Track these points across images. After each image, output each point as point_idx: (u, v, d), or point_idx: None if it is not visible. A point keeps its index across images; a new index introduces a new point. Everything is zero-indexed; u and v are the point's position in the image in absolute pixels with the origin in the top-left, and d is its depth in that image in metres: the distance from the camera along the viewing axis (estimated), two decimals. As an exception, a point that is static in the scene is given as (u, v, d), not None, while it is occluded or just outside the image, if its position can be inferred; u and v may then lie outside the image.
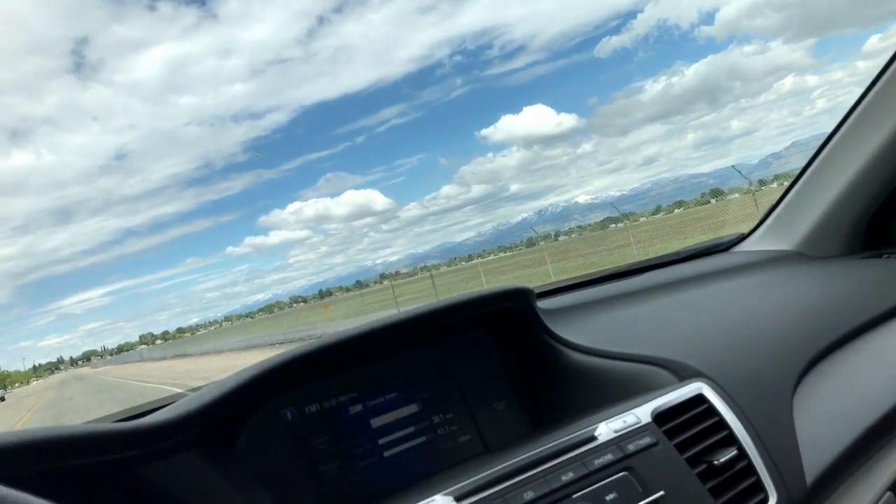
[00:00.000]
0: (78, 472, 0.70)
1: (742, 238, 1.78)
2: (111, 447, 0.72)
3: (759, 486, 0.83)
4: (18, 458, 0.62)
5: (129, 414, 0.99)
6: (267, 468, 0.91)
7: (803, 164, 1.60)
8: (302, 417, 0.97)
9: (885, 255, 1.50)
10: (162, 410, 0.86)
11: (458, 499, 0.73)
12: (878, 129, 1.40)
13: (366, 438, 0.99)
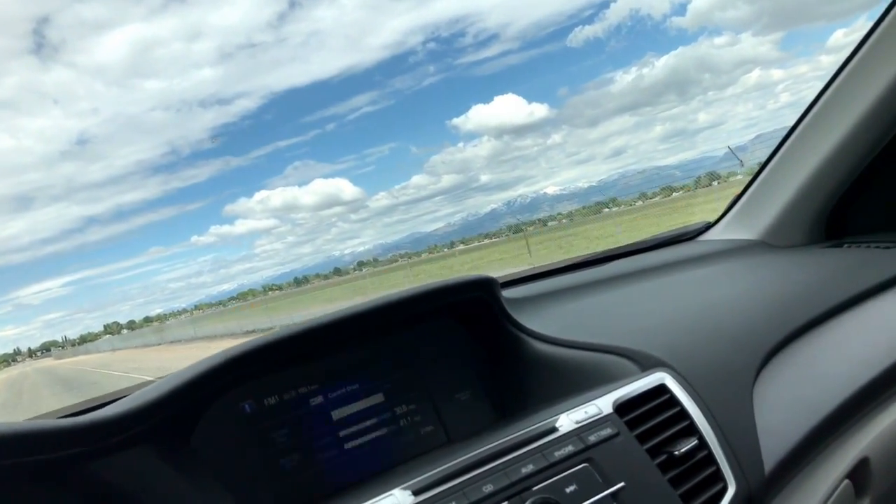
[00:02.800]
0: (23, 471, 0.67)
1: (709, 227, 1.80)
2: (58, 444, 0.69)
3: (718, 476, 0.83)
4: None
5: (82, 408, 0.96)
6: (224, 462, 0.89)
7: (766, 155, 1.62)
8: (261, 409, 0.95)
9: (845, 245, 1.53)
10: (115, 404, 0.83)
11: (416, 492, 0.72)
12: (840, 120, 1.42)
13: (326, 431, 0.97)
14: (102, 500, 0.75)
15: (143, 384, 0.94)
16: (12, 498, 0.70)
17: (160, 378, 0.92)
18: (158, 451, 0.80)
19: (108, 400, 0.92)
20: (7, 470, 0.66)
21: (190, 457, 0.85)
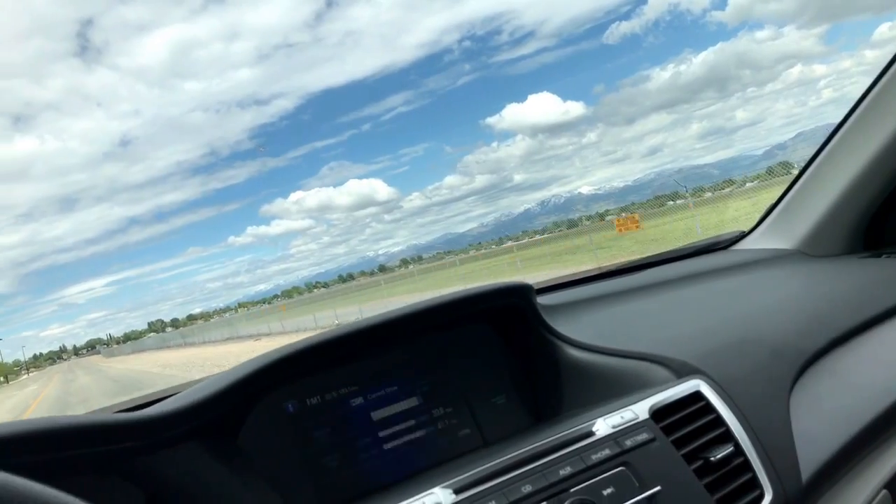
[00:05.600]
0: (80, 462, 0.71)
1: (742, 236, 1.78)
2: (113, 437, 0.73)
3: (754, 483, 0.84)
4: (21, 448, 0.63)
5: (134, 404, 1.00)
6: (269, 459, 0.92)
7: (809, 154, 1.60)
8: (303, 410, 0.98)
9: (885, 255, 1.51)
10: (167, 401, 0.87)
11: (456, 491, 0.74)
12: (880, 127, 1.40)
13: (366, 431, 1.00)
14: (156, 493, 0.78)
15: (192, 382, 0.98)
16: (72, 488, 0.75)
17: (208, 377, 0.96)
18: (207, 448, 0.83)
19: (159, 397, 0.96)
20: (68, 461, 0.69)
21: (237, 454, 0.88)
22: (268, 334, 27.74)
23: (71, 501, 0.37)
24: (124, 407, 1.00)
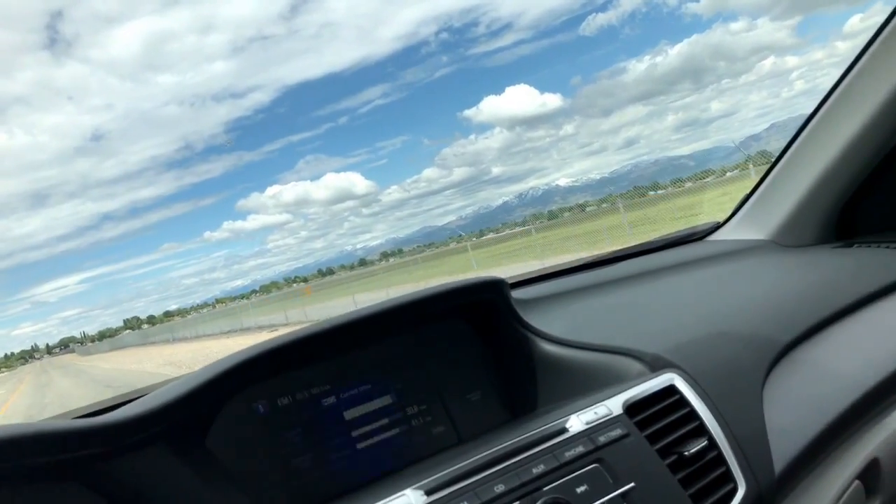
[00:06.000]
0: (37, 471, 0.69)
1: (717, 227, 1.79)
2: (74, 444, 0.71)
3: (728, 477, 0.84)
4: None
5: (97, 408, 0.97)
6: (238, 462, 0.90)
7: (782, 145, 1.61)
8: (274, 410, 0.96)
9: (856, 245, 1.52)
10: (131, 405, 0.85)
11: (428, 493, 0.73)
12: (851, 117, 1.41)
13: (339, 431, 0.98)
14: (118, 499, 0.76)
15: (161, 384, 0.96)
16: (31, 498, 0.72)
17: (175, 379, 0.93)
18: (174, 451, 0.81)
19: (125, 400, 0.94)
20: (24, 470, 0.68)
21: (205, 457, 0.86)
22: (285, 324, 24.39)
23: None
24: (89, 412, 0.97)
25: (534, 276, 1.50)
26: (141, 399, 0.86)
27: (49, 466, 0.70)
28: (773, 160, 1.63)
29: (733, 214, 1.75)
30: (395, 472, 0.96)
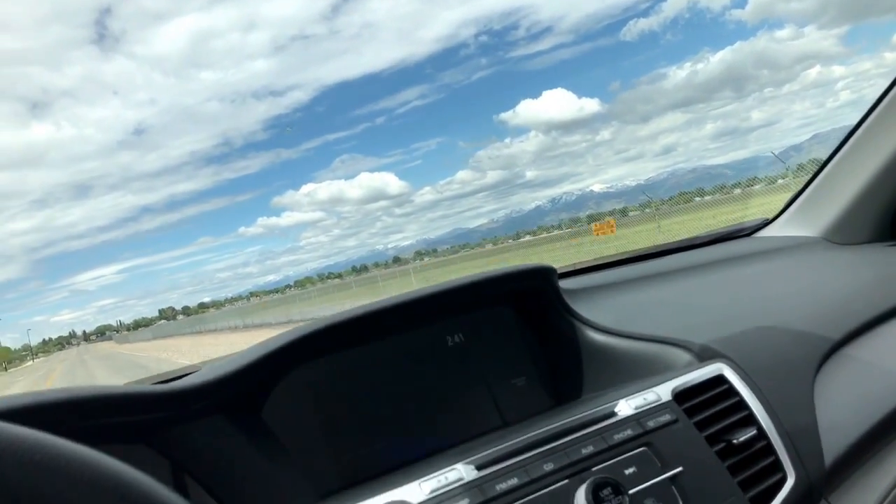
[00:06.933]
0: (113, 431, 0.72)
1: (766, 223, 1.77)
2: (147, 407, 0.75)
3: (777, 466, 0.83)
4: (63, 414, 0.64)
5: (160, 380, 1.01)
6: (291, 435, 0.93)
7: (825, 156, 1.59)
8: (326, 386, 0.98)
9: None
10: (193, 374, 0.88)
11: (479, 468, 0.74)
12: None
13: (389, 408, 1.00)
14: (180, 463, 0.79)
15: (218, 359, 0.99)
16: (110, 455, 0.76)
17: (234, 353, 0.96)
18: (231, 421, 0.84)
19: (187, 371, 0.97)
20: (102, 429, 0.71)
21: (261, 427, 0.89)
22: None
23: (115, 464, 0.37)
24: (160, 380, 1.01)
25: (581, 266, 1.50)
26: (203, 370, 0.90)
27: (122, 427, 0.73)
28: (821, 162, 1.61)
29: (783, 211, 1.73)
30: (443, 450, 0.98)
